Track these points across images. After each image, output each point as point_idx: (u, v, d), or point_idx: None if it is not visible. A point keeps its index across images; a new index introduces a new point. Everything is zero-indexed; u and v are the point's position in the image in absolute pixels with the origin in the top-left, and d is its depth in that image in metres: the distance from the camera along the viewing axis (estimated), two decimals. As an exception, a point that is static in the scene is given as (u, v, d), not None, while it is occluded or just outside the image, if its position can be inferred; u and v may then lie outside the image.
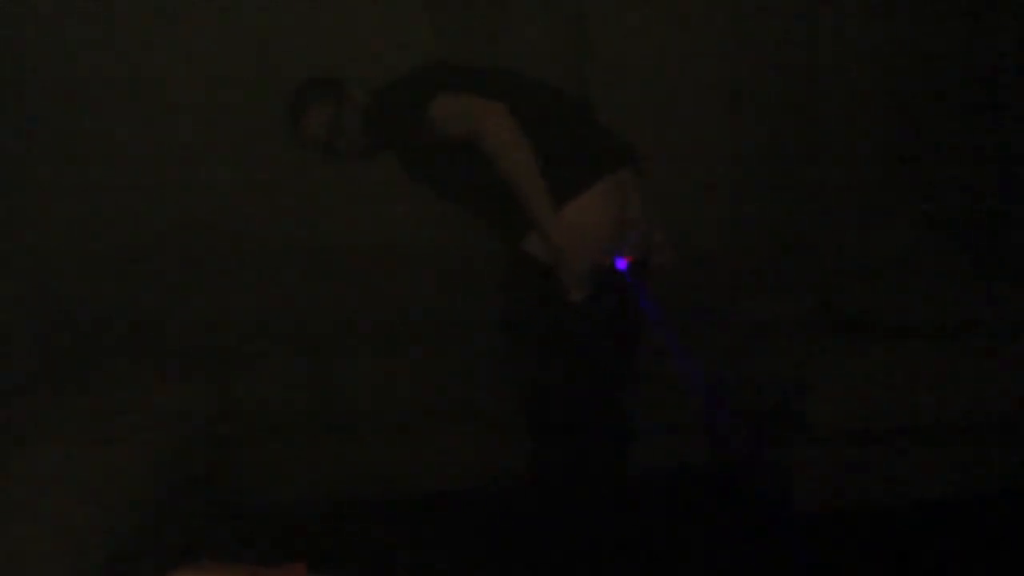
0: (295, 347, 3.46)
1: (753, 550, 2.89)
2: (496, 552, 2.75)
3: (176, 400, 2.99)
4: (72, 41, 3.64)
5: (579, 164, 2.19)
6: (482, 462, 3.28)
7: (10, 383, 3.00)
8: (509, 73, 2.44)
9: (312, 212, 3.72)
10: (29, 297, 3.36)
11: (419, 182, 2.41)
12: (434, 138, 2.20)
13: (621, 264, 2.22)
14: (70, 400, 2.91)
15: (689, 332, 3.58)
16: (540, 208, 2.11)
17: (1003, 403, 3.12)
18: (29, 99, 3.63)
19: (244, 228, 3.71)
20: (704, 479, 3.38)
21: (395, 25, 3.82)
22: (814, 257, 3.88)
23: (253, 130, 3.57)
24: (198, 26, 3.71)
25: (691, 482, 3.34)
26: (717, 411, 3.22)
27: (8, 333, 3.14)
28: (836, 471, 3.06)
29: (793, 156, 4.07)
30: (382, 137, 2.36)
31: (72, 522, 2.07)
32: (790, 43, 4.03)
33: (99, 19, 3.65)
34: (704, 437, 3.44)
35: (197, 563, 1.70)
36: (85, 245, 3.60)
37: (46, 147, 3.64)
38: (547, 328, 2.20)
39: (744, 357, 3.41)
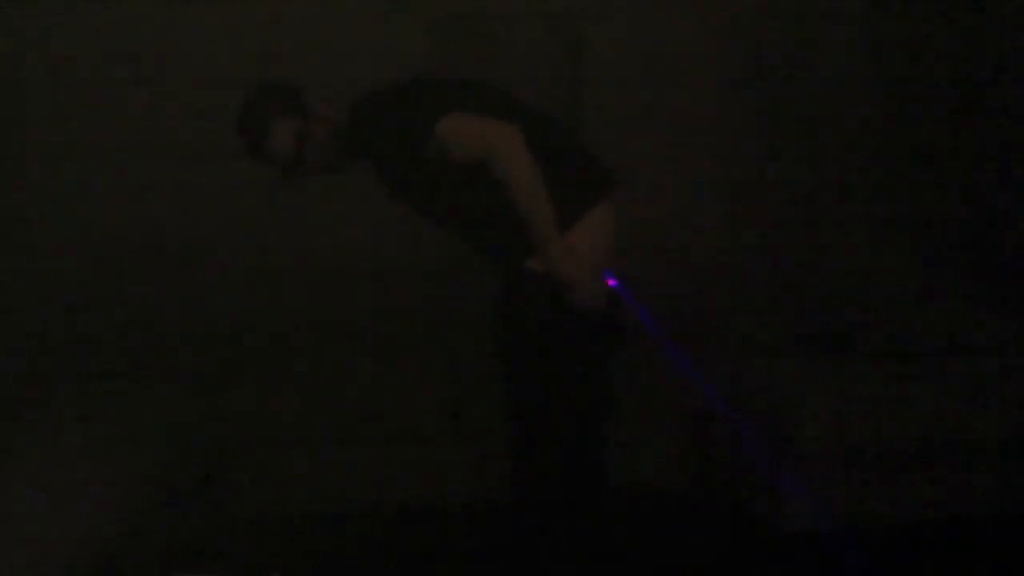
0: (292, 358, 3.47)
1: (741, 569, 2.90)
2: (487, 567, 2.75)
3: (171, 408, 3.00)
4: (72, 43, 3.65)
5: (579, 189, 2.19)
6: (473, 477, 3.28)
7: (8, 388, 3.01)
8: (503, 93, 2.36)
9: (312, 223, 3.73)
10: (27, 301, 3.37)
11: (405, 204, 2.35)
12: (435, 158, 2.14)
13: (612, 282, 2.24)
14: (66, 407, 2.91)
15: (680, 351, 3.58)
16: (549, 233, 2.10)
17: (994, 424, 3.14)
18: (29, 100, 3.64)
19: (245, 237, 3.72)
20: (691, 498, 3.39)
21: (394, 29, 3.83)
22: (807, 278, 3.90)
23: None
24: (198, 29, 3.72)
25: (678, 500, 3.35)
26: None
27: (7, 336, 3.15)
28: (825, 491, 3.08)
29: (789, 173, 4.09)
30: (370, 152, 2.27)
31: (66, 526, 2.09)
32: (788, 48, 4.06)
33: (98, 21, 3.65)
34: (693, 455, 3.46)
35: (190, 572, 1.71)
36: (84, 249, 3.62)
37: (46, 149, 3.64)
38: (553, 345, 2.18)
39: (734, 376, 3.42)
